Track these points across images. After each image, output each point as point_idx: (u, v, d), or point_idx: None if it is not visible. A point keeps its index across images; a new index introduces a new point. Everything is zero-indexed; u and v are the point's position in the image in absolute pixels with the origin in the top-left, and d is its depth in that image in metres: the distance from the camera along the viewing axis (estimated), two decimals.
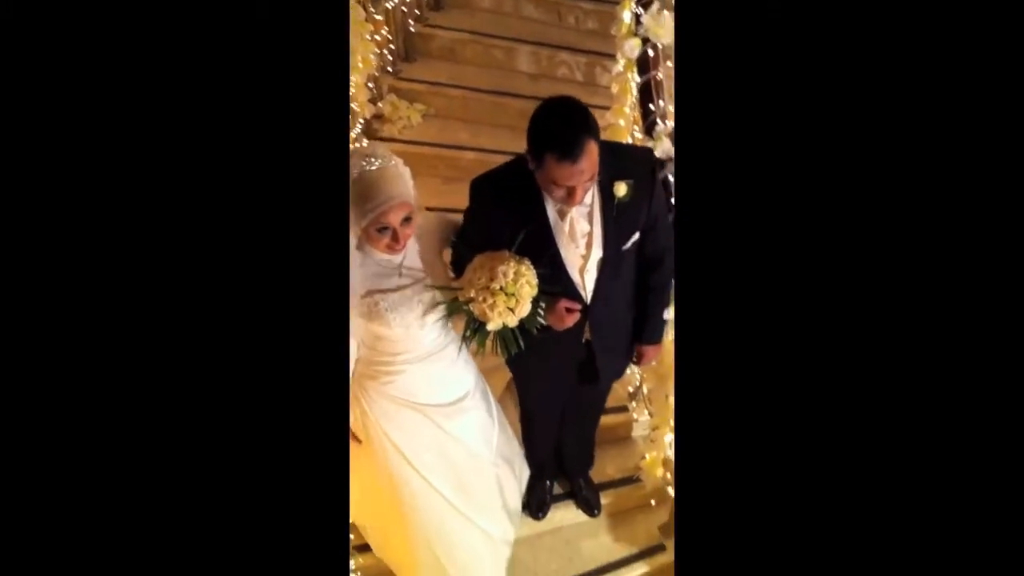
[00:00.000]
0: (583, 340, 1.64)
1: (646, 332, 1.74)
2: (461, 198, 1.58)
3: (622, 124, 2.51)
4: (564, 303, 1.48)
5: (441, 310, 1.45)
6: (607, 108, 2.57)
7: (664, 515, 2.28)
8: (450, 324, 1.51)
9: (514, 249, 1.38)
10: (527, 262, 1.38)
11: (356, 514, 1.67)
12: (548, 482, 2.18)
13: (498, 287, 1.32)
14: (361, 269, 1.40)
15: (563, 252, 1.50)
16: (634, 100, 2.43)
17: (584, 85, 3.33)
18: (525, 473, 1.91)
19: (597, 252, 1.52)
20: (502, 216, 1.44)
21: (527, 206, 1.44)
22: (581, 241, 1.51)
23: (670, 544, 2.23)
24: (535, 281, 1.37)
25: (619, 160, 1.43)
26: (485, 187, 1.51)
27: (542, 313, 1.42)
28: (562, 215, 1.47)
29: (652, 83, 2.31)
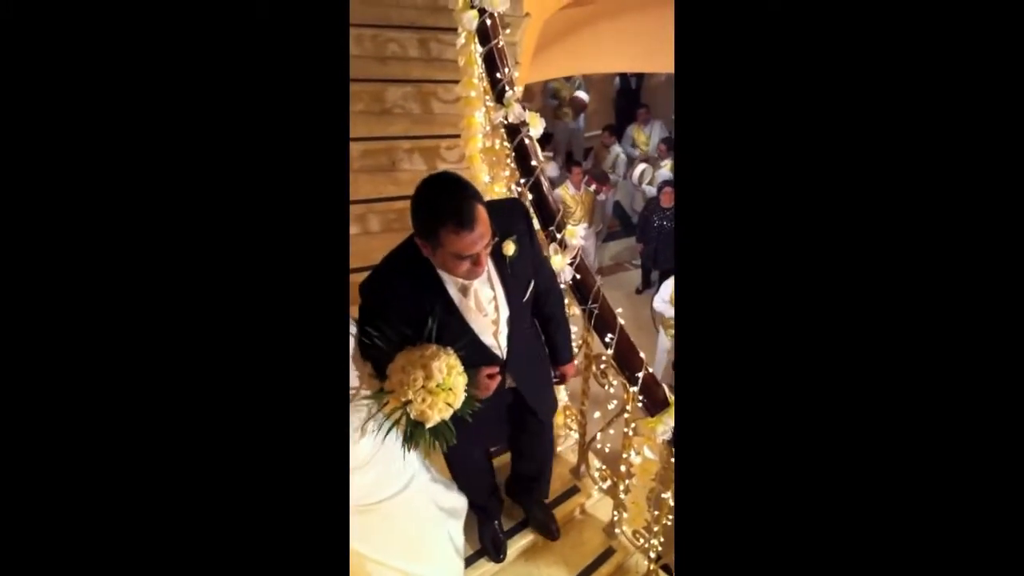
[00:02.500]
0: (507, 388, 1.67)
1: (560, 355, 1.87)
2: None
3: (473, 95, 2.51)
4: (484, 372, 1.48)
5: (379, 419, 1.40)
6: (454, 81, 2.60)
7: (605, 516, 2.41)
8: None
9: (432, 339, 1.37)
10: (450, 350, 1.36)
11: None
12: (496, 522, 2.20)
13: (435, 385, 1.31)
14: None
15: (474, 325, 1.50)
16: (481, 71, 2.45)
17: (420, 60, 3.38)
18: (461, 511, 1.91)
19: (504, 311, 1.55)
20: (405, 309, 1.40)
21: (427, 292, 1.43)
22: (488, 307, 1.51)
23: (616, 543, 2.36)
24: (461, 368, 1.36)
25: (497, 217, 1.39)
26: (378, 285, 1.45)
27: (476, 398, 1.43)
28: (464, 291, 1.46)
29: (495, 52, 2.34)
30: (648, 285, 5.81)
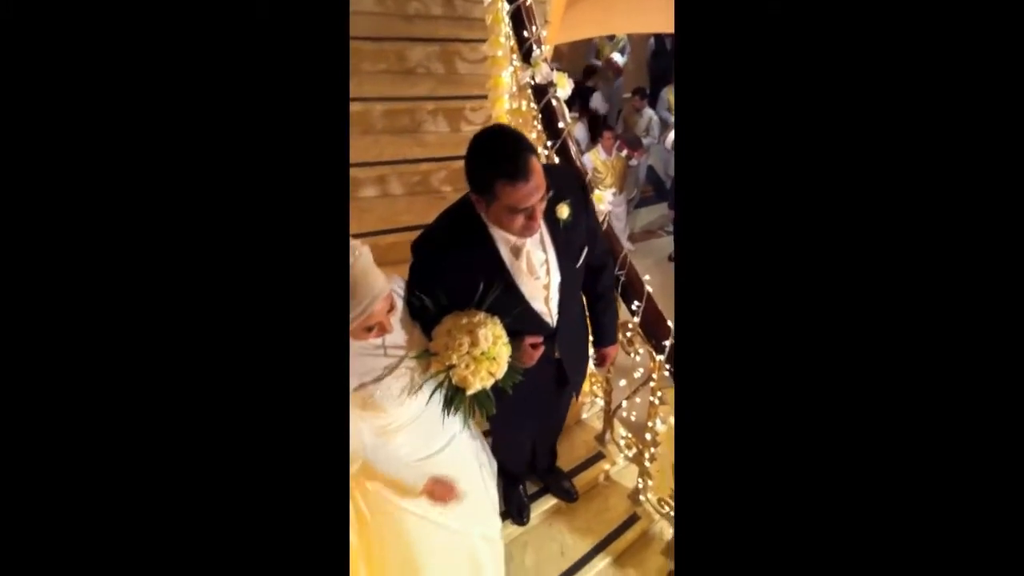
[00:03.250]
0: (553, 359, 1.65)
1: (604, 336, 1.83)
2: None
3: (500, 54, 2.45)
4: (528, 340, 1.46)
5: (430, 383, 1.41)
6: (480, 40, 2.53)
7: (629, 483, 2.40)
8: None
9: (484, 307, 1.36)
10: (497, 319, 1.36)
11: None
12: (522, 487, 2.25)
13: (480, 352, 1.31)
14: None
15: (525, 289, 1.46)
16: (508, 29, 2.39)
17: (445, 18, 3.31)
18: (494, 464, 1.91)
19: (556, 277, 1.51)
20: (456, 269, 1.39)
21: (479, 254, 1.41)
22: (540, 271, 1.47)
23: (640, 510, 2.35)
24: (507, 339, 1.36)
25: (553, 180, 1.35)
26: (430, 244, 1.45)
27: (519, 371, 1.42)
28: (516, 252, 1.43)
29: (522, 9, 2.28)
30: None
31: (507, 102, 2.47)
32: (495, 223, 1.35)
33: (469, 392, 1.35)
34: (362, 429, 1.36)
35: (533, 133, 2.37)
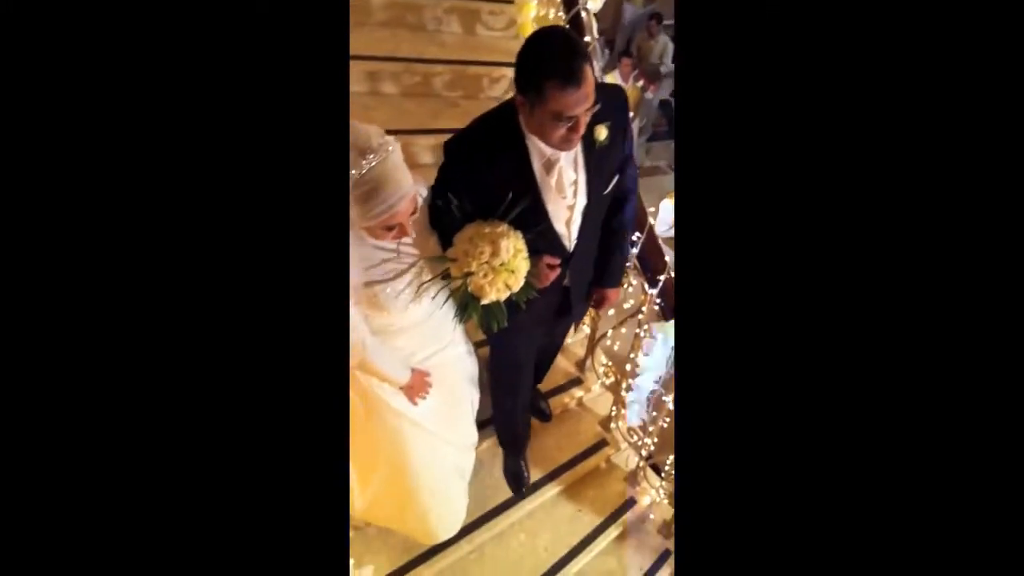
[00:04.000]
0: (561, 284, 1.60)
1: (609, 275, 1.73)
2: None
3: None
4: (545, 260, 1.44)
5: (438, 289, 1.41)
6: None
7: (602, 410, 2.47)
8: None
9: (508, 219, 1.33)
10: (519, 234, 1.33)
11: (365, 500, 1.79)
12: (522, 460, 2.21)
13: (499, 263, 1.29)
14: (359, 259, 1.30)
15: (550, 207, 1.42)
16: None
17: None
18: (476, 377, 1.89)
19: (582, 200, 1.46)
20: (486, 176, 1.35)
21: (511, 164, 1.35)
22: (569, 191, 1.43)
23: (609, 437, 2.42)
24: (527, 252, 1.34)
25: (598, 97, 1.27)
26: (463, 147, 1.40)
27: (533, 288, 1.40)
28: (548, 167, 1.38)
29: None
30: None
31: (535, 8, 2.33)
32: (534, 132, 1.30)
33: (483, 302, 1.34)
34: (363, 326, 1.36)
35: None
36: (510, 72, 2.91)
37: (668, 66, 6.02)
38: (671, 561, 2.18)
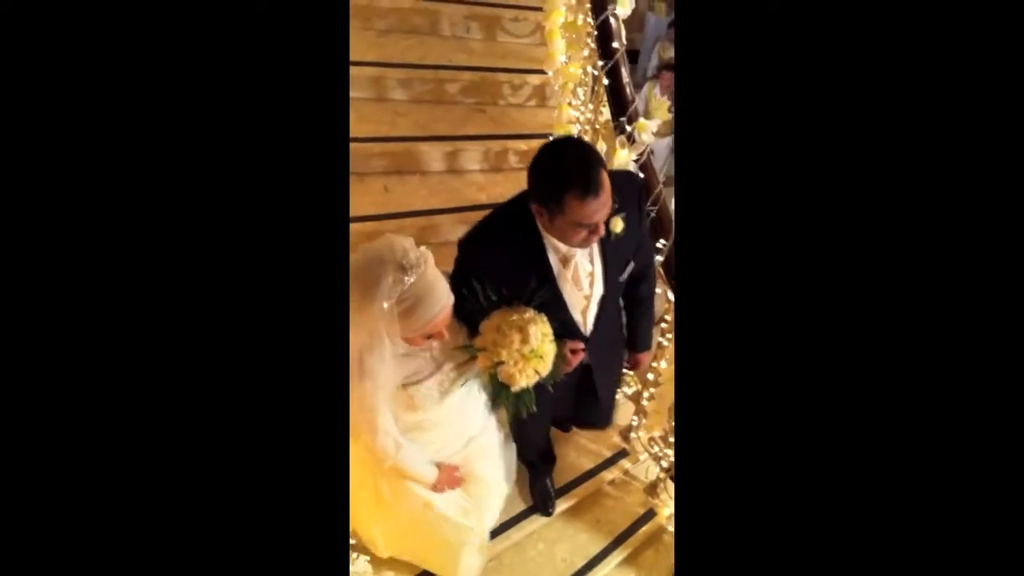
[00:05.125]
0: (583, 364, 1.61)
1: (639, 341, 1.80)
2: None
3: None
4: (569, 345, 1.45)
5: (469, 381, 1.42)
6: None
7: (623, 420, 2.41)
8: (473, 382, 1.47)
9: (531, 303, 1.34)
10: (544, 317, 1.34)
11: (388, 549, 1.80)
12: (548, 479, 2.19)
13: (529, 350, 1.29)
14: (395, 365, 1.29)
15: (567, 298, 1.45)
16: None
17: None
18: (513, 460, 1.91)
19: (599, 290, 1.49)
20: (504, 268, 1.37)
21: (529, 258, 1.38)
22: (585, 283, 1.45)
23: (629, 447, 2.38)
24: (553, 336, 1.33)
25: (613, 189, 1.30)
26: (479, 243, 1.42)
27: (561, 369, 1.40)
28: (565, 262, 1.41)
29: None
30: None
31: (563, 14, 2.33)
32: (553, 235, 1.33)
33: (513, 389, 1.33)
34: (394, 429, 1.36)
35: (585, 51, 2.26)
36: (532, 79, 2.97)
37: None
38: None
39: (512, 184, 2.79)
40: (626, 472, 2.37)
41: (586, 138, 2.46)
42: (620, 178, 1.47)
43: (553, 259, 1.39)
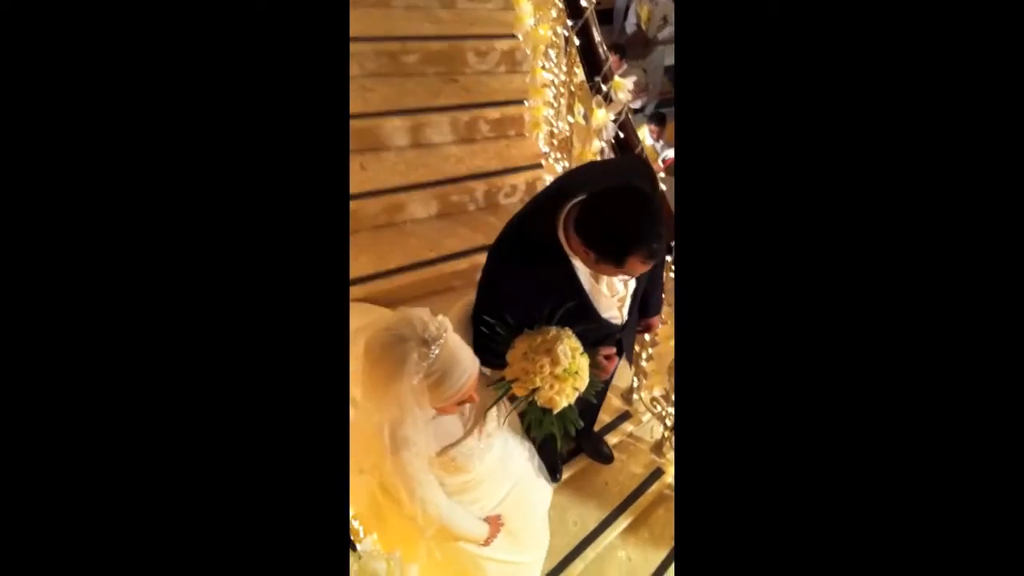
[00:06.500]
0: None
1: (653, 306, 1.79)
2: None
3: None
4: (602, 352, 1.41)
5: (506, 417, 1.40)
6: None
7: (623, 383, 2.41)
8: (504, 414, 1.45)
9: (555, 321, 1.30)
10: (568, 330, 1.29)
11: None
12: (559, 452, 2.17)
13: (562, 370, 1.24)
14: (430, 434, 1.27)
15: (599, 305, 1.41)
16: None
17: None
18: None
19: (632, 285, 1.48)
20: (529, 289, 1.32)
21: (556, 277, 1.34)
22: (619, 286, 1.44)
23: (631, 409, 2.39)
24: (581, 347, 1.29)
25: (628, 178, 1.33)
26: (503, 264, 1.38)
27: (600, 378, 1.37)
28: (597, 278, 1.39)
29: None
30: None
31: None
32: (588, 266, 1.30)
33: (555, 411, 1.30)
34: (439, 495, 1.34)
35: (553, 11, 2.19)
36: (499, 44, 2.89)
37: (665, 32, 5.83)
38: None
39: (490, 156, 2.76)
40: (630, 434, 2.39)
41: (563, 100, 2.42)
42: (635, 165, 1.48)
43: (583, 277, 1.36)
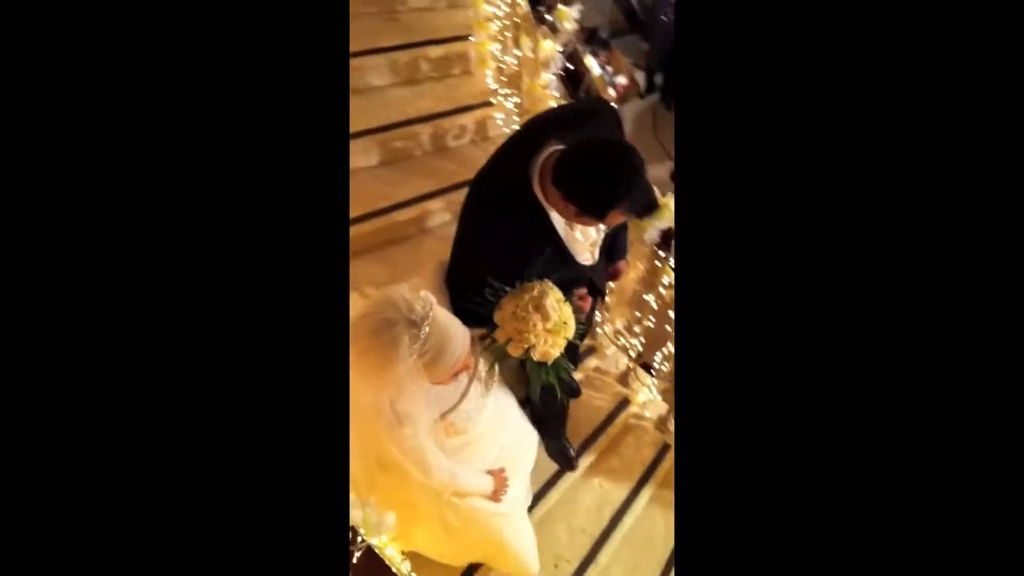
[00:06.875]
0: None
1: (619, 250, 1.80)
2: None
3: None
4: (577, 294, 1.41)
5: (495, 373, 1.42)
6: None
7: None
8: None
9: (535, 274, 1.30)
10: (547, 282, 1.30)
11: (457, 561, 1.82)
12: (565, 439, 2.18)
13: (553, 324, 1.26)
14: (427, 402, 1.27)
15: (574, 250, 1.43)
16: None
17: None
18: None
19: (603, 232, 1.50)
20: (510, 250, 1.32)
21: (533, 228, 1.34)
22: (592, 231, 1.45)
23: (596, 343, 2.40)
24: (562, 296, 1.30)
25: (594, 126, 1.34)
26: (485, 223, 1.39)
27: (582, 321, 1.37)
28: (572, 225, 1.39)
29: None
30: (651, 89, 5.35)
31: None
32: (563, 216, 1.31)
33: (550, 363, 1.32)
34: (443, 458, 1.34)
35: None
36: None
37: None
38: (671, 454, 2.26)
39: (436, 96, 2.66)
40: (595, 368, 2.43)
41: (508, 34, 2.33)
42: (598, 111, 1.49)
43: (559, 226, 1.37)
